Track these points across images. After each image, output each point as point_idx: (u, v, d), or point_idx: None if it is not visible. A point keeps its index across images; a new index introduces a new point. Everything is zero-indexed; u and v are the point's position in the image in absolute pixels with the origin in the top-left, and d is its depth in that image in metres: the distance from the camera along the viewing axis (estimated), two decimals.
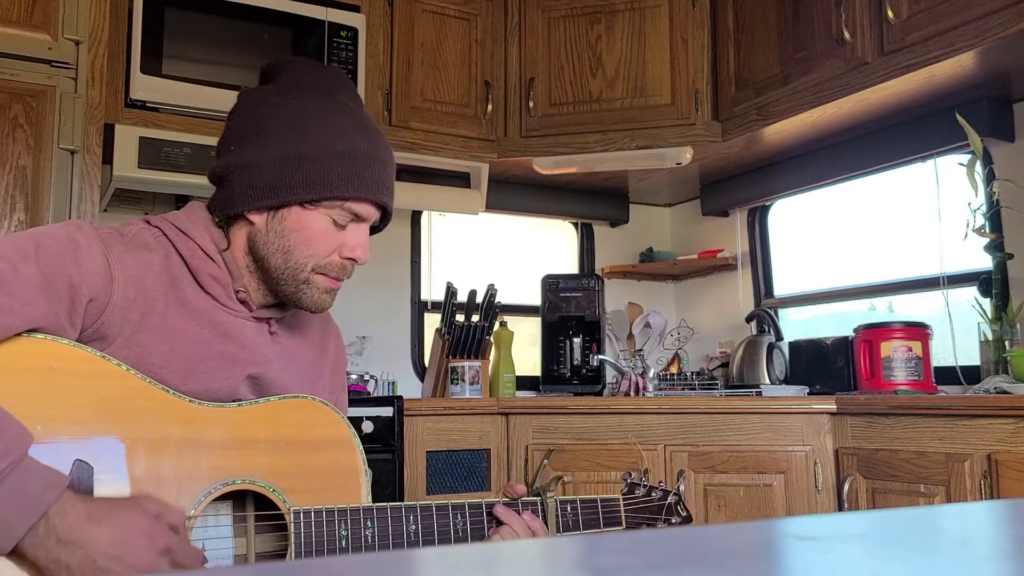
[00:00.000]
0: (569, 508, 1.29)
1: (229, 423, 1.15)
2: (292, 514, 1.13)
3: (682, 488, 2.40)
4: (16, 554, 0.97)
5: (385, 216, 1.28)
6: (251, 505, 1.18)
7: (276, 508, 1.15)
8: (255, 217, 1.21)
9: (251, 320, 1.24)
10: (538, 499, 1.28)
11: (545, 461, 1.42)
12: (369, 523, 1.16)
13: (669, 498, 1.35)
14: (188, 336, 1.16)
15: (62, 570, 0.97)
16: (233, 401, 1.18)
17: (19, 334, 1.05)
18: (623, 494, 1.35)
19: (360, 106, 1.28)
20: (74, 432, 1.05)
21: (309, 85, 1.25)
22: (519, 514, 1.25)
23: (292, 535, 1.12)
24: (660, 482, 1.39)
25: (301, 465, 1.18)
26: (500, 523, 1.24)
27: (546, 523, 1.27)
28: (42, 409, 1.03)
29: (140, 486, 1.07)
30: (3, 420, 0.98)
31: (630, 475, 1.38)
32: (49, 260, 1.07)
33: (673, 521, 1.35)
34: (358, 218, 1.23)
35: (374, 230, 1.29)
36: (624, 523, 1.33)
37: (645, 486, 1.35)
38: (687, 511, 1.37)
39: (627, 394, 3.01)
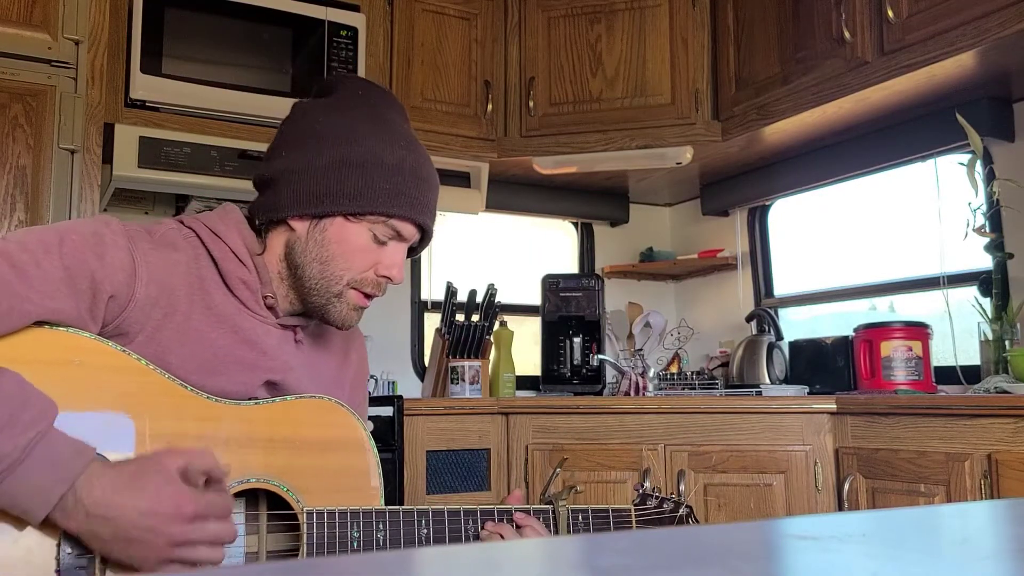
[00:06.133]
0: (580, 517, 1.29)
1: (246, 421, 1.15)
2: (305, 514, 1.13)
3: (682, 487, 2.40)
4: (47, 524, 0.97)
5: (424, 238, 1.28)
6: (264, 503, 1.18)
7: (288, 507, 1.16)
8: (297, 224, 1.21)
9: (276, 327, 1.24)
10: (550, 507, 1.28)
11: (557, 470, 1.41)
12: (381, 525, 1.16)
13: (681, 510, 1.35)
14: (209, 339, 1.16)
15: (97, 542, 0.98)
16: (250, 399, 1.18)
17: (42, 326, 1.06)
18: (635, 504, 1.34)
19: (409, 127, 1.29)
20: (92, 425, 1.06)
21: (362, 101, 1.25)
22: (514, 524, 1.25)
23: (304, 535, 1.13)
24: (672, 493, 1.39)
25: (315, 465, 1.18)
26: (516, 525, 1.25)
27: (557, 532, 1.27)
28: (62, 401, 1.04)
29: None
30: (29, 391, 0.99)
31: (642, 485, 1.38)
32: (72, 254, 1.07)
33: None
34: (399, 236, 1.23)
35: (412, 251, 1.29)
36: None
37: (657, 497, 1.35)
38: (699, 523, 1.37)
39: (627, 394, 3.01)
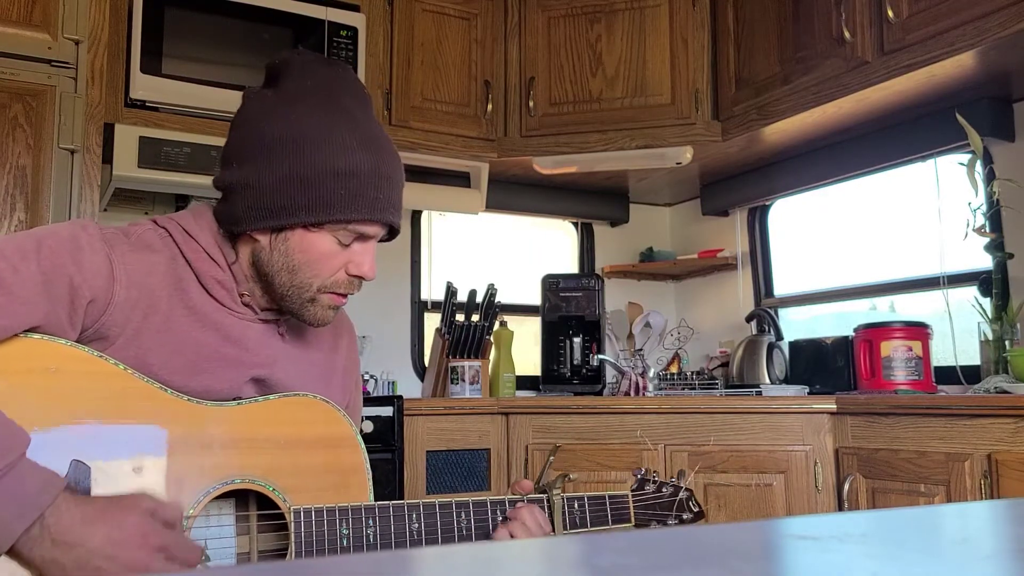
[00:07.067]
0: (576, 505, 1.28)
1: (229, 421, 1.15)
2: (292, 513, 1.13)
3: (690, 480, 2.40)
4: (12, 553, 0.97)
5: (393, 231, 1.25)
6: (254, 503, 1.18)
7: (278, 506, 1.15)
8: (259, 236, 1.20)
9: (257, 322, 1.23)
10: (544, 496, 1.27)
11: (551, 458, 1.40)
12: (371, 522, 1.16)
13: (680, 494, 1.33)
14: (191, 338, 1.16)
15: (57, 569, 0.97)
16: (233, 399, 1.18)
17: (17, 334, 1.05)
18: (632, 490, 1.33)
19: (367, 110, 1.24)
20: (72, 432, 1.05)
21: (312, 92, 1.20)
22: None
23: (292, 534, 1.12)
24: (671, 478, 1.37)
25: (302, 463, 1.17)
26: (506, 518, 1.24)
27: (552, 520, 1.26)
28: (39, 410, 1.03)
29: (138, 486, 1.07)
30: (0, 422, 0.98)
31: (641, 471, 1.36)
32: (50, 259, 1.07)
33: (685, 518, 1.33)
34: (363, 237, 1.20)
35: (381, 240, 1.26)
36: (633, 520, 1.32)
37: (655, 482, 1.34)
38: (699, 507, 1.36)
39: (627, 394, 3.01)
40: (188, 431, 1.11)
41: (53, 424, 1.04)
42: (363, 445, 1.23)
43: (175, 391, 1.12)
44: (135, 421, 1.09)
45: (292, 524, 1.12)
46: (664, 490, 1.33)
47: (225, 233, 1.22)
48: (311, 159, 1.15)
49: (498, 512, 1.24)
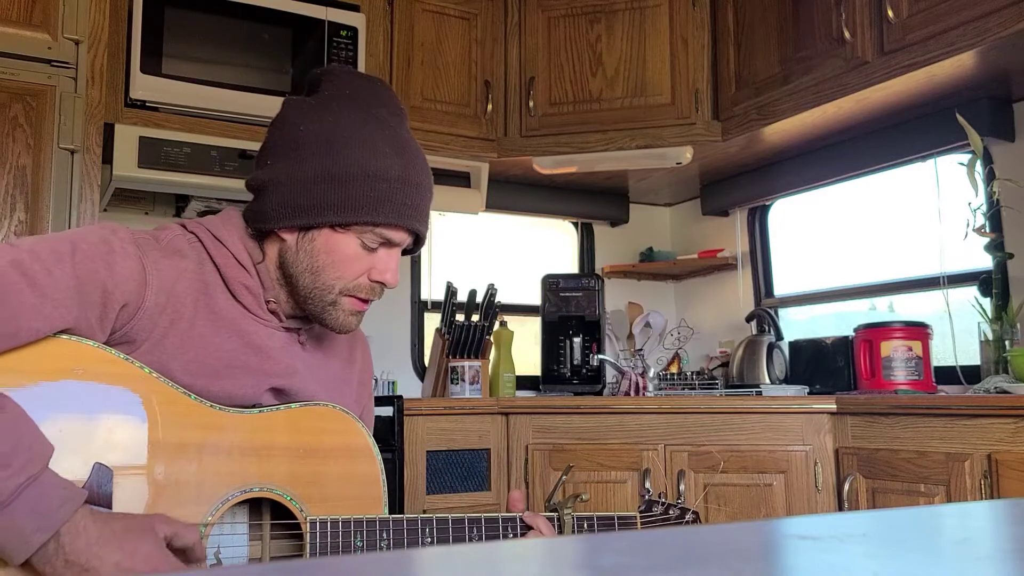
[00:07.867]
0: (586, 524, 1.29)
1: (249, 429, 1.15)
2: (308, 523, 1.13)
3: (683, 491, 2.40)
4: (26, 566, 0.97)
5: (417, 241, 1.26)
6: (268, 511, 1.18)
7: (293, 515, 1.15)
8: (286, 235, 1.21)
9: (281, 330, 1.24)
10: (555, 515, 1.28)
11: (563, 477, 1.42)
12: (385, 535, 1.16)
13: (687, 516, 1.35)
14: (214, 344, 1.16)
15: None
16: (254, 407, 1.18)
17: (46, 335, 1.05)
18: (640, 511, 1.35)
19: (401, 122, 1.25)
20: (95, 435, 1.05)
21: (349, 100, 1.22)
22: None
23: (307, 544, 1.12)
24: (678, 499, 1.39)
25: (319, 473, 1.18)
26: (527, 528, 1.25)
27: None
28: (64, 412, 1.03)
29: (159, 490, 1.07)
30: (25, 431, 0.98)
31: (647, 492, 1.38)
32: (84, 263, 1.07)
33: None
34: (388, 242, 1.21)
35: (407, 251, 1.27)
36: None
37: (663, 503, 1.35)
38: None
39: (627, 394, 3.01)
40: (209, 437, 1.12)
41: (76, 426, 1.04)
42: (379, 456, 1.24)
43: (197, 396, 1.13)
44: (158, 425, 1.09)
45: (308, 535, 1.13)
46: (671, 512, 1.35)
47: (253, 233, 1.23)
48: (342, 159, 1.17)
49: (509, 529, 1.24)
